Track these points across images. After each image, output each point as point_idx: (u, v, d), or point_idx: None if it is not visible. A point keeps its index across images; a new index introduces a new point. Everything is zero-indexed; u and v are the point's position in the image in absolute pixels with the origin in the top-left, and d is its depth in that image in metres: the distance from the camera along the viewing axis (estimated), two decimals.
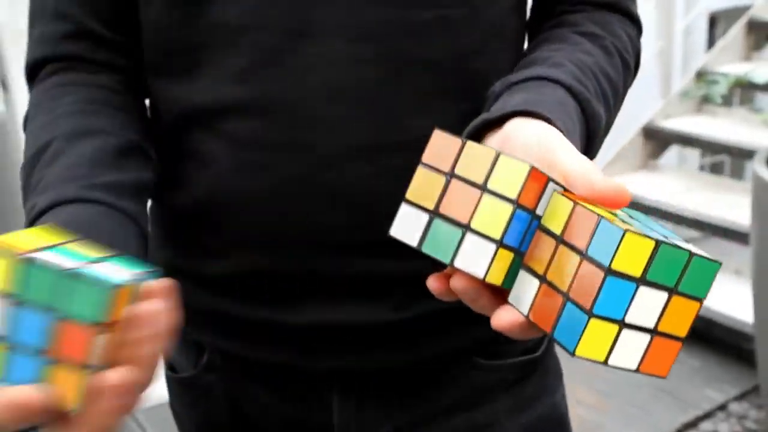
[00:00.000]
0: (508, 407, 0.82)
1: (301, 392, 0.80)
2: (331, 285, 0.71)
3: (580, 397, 2.68)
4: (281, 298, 0.73)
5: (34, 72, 0.75)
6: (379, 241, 0.59)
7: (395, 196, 0.54)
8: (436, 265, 0.52)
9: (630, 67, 0.76)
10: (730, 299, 2.86)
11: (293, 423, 0.81)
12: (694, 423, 2.57)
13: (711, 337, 2.87)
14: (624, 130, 3.70)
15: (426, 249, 0.51)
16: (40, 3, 0.74)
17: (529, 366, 0.83)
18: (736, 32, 3.97)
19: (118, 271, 0.47)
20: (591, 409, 2.65)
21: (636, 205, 3.58)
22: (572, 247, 0.47)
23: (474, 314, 0.54)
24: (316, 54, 0.66)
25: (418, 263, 0.56)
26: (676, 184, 3.61)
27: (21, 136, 0.68)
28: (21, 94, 4.48)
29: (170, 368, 0.86)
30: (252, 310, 0.74)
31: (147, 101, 0.77)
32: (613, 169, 3.70)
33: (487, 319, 0.52)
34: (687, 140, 3.72)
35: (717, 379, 2.75)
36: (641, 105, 3.74)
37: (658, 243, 0.45)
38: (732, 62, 3.88)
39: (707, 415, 2.60)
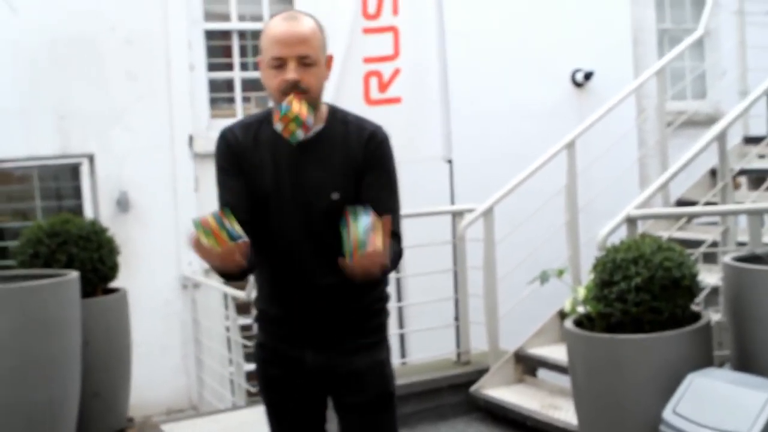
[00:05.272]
0: (363, 357, 2.40)
1: (297, 348, 2.41)
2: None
3: None
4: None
5: None
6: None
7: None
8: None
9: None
10: None
11: (290, 359, 2.41)
12: None
13: None
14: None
15: None
16: (224, 198, 2.33)
17: (373, 344, 2.43)
18: None
19: None
20: None
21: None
22: None
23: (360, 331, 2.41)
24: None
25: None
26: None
27: None
28: None
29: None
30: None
31: None
32: (492, 382, 5.04)
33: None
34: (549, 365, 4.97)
35: None
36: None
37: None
38: None
39: None
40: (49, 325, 3.33)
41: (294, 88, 2.21)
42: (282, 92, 2.22)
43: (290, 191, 2.29)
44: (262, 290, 2.46)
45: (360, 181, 2.31)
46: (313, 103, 2.26)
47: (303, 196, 2.29)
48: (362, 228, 2.00)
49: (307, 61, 2.22)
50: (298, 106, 2.16)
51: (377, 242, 1.99)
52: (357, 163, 2.29)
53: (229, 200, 2.30)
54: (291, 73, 2.21)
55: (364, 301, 2.39)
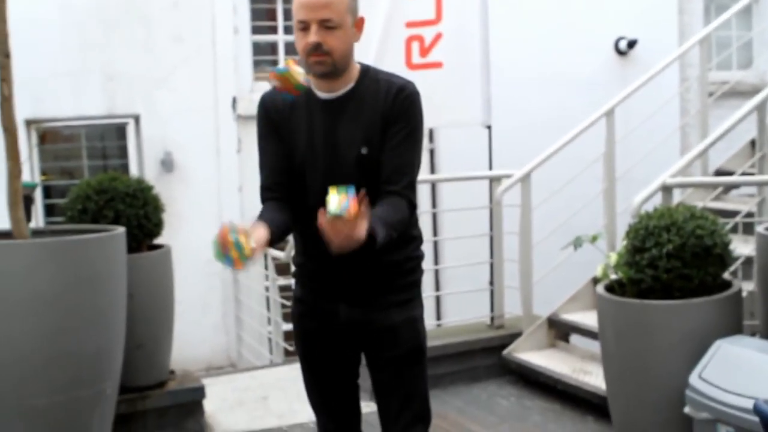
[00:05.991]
0: (397, 312, 2.50)
1: (331, 301, 2.51)
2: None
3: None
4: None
5: (262, 194, 2.47)
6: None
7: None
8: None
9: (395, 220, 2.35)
10: None
11: (325, 313, 2.52)
12: None
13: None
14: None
15: None
16: (263, 161, 2.47)
17: (407, 300, 2.53)
18: None
19: None
20: None
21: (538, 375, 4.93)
22: None
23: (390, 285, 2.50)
24: None
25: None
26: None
27: None
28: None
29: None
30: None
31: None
32: (524, 346, 5.16)
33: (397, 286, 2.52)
34: (581, 331, 5.09)
35: None
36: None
37: None
38: None
39: None
40: (96, 278, 3.46)
41: (316, 50, 2.31)
42: (306, 54, 2.33)
43: (323, 149, 2.39)
44: (298, 245, 2.58)
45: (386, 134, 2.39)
46: (338, 64, 2.36)
47: (335, 153, 2.39)
48: (338, 204, 2.05)
49: (329, 24, 2.30)
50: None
51: (356, 221, 2.06)
52: (385, 116, 2.38)
53: (266, 163, 2.45)
54: (312, 36, 2.31)
55: (397, 257, 2.48)
